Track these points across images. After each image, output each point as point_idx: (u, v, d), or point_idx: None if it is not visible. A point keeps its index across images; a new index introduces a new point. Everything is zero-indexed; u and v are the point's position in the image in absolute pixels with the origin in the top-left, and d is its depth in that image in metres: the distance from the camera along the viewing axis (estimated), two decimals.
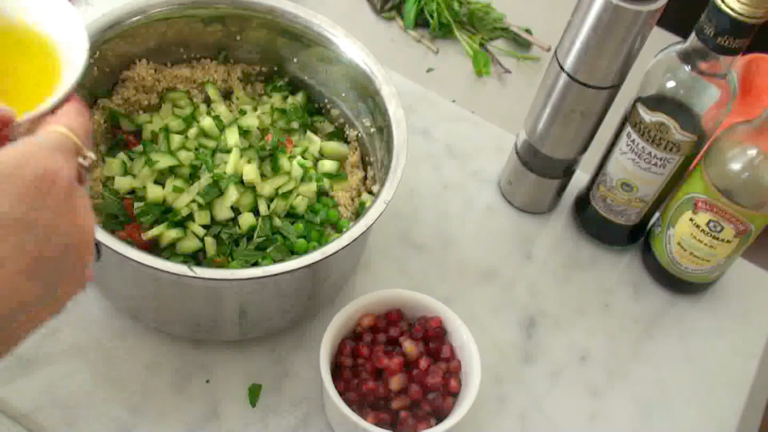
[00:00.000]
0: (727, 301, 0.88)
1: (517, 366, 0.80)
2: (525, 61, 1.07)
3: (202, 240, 0.71)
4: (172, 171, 0.74)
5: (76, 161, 0.45)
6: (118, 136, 0.78)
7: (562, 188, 0.89)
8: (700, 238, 0.80)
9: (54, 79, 0.53)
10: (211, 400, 0.72)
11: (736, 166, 0.74)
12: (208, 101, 0.81)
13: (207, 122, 0.76)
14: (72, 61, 0.52)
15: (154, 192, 0.71)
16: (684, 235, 0.81)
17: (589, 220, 0.89)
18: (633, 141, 0.78)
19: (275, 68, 0.84)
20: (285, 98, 0.83)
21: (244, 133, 0.76)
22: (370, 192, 0.79)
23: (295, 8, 0.78)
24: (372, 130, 0.78)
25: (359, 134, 0.81)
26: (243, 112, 0.79)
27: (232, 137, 0.75)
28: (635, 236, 0.88)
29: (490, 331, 0.81)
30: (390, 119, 0.73)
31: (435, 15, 1.06)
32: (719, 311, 0.87)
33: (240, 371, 0.74)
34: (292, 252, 0.72)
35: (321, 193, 0.77)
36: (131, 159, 0.75)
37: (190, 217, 0.71)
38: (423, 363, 0.70)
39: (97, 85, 0.77)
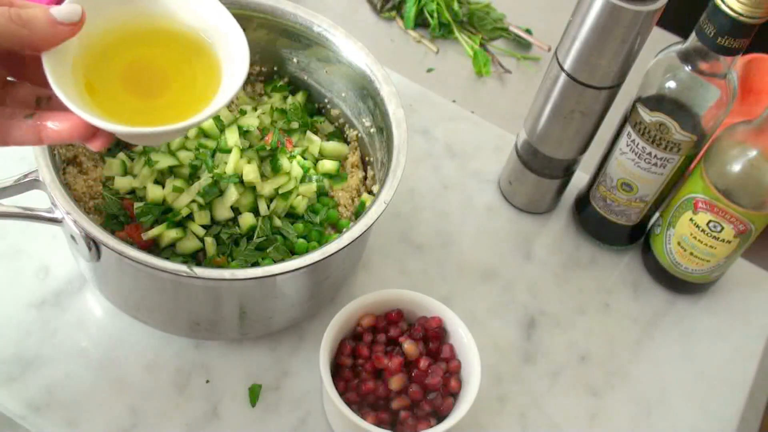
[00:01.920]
0: (727, 301, 0.88)
1: (517, 366, 0.80)
2: (525, 61, 1.07)
3: (202, 240, 0.71)
4: (172, 171, 0.74)
5: None
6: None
7: (562, 188, 0.89)
8: (700, 238, 0.80)
9: (214, 83, 0.56)
10: (211, 400, 0.73)
11: (736, 166, 0.74)
12: None
13: (207, 122, 0.76)
14: (232, 68, 0.56)
15: (154, 192, 0.71)
16: (684, 235, 0.81)
17: (589, 220, 0.89)
18: (633, 141, 0.78)
19: (275, 68, 0.84)
20: (285, 98, 0.83)
21: (244, 133, 0.76)
22: (370, 192, 0.79)
23: (295, 8, 0.78)
24: (372, 130, 0.78)
25: (359, 134, 0.81)
26: (243, 112, 0.79)
27: (232, 137, 0.75)
28: (635, 236, 0.88)
29: (490, 331, 0.81)
30: (390, 119, 0.73)
31: (435, 15, 1.06)
32: (719, 311, 0.87)
33: (240, 371, 0.74)
34: (292, 252, 0.72)
35: (321, 193, 0.77)
36: (131, 159, 0.75)
37: (190, 217, 0.71)
38: (423, 363, 0.70)
39: None
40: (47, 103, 0.55)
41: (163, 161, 0.73)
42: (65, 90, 0.51)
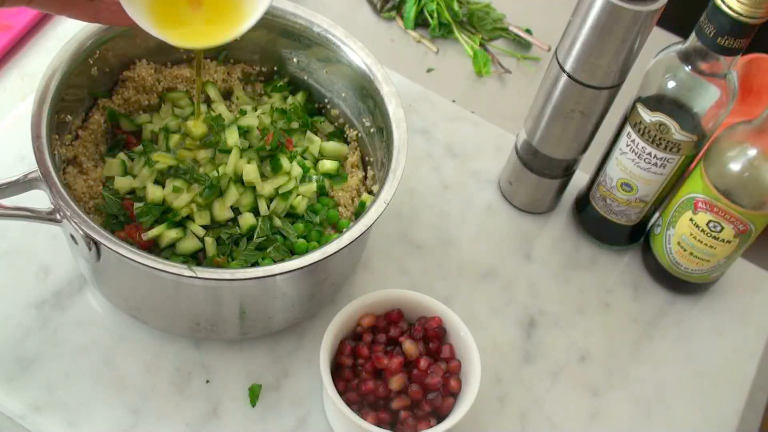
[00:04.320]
0: (727, 301, 0.88)
1: (517, 366, 0.80)
2: (525, 61, 1.07)
3: (202, 240, 0.71)
4: (171, 171, 0.74)
5: None
6: (118, 136, 0.78)
7: (562, 188, 0.89)
8: (700, 238, 0.80)
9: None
10: (211, 400, 0.73)
11: (736, 166, 0.74)
12: (208, 101, 0.81)
13: (203, 127, 0.76)
14: None
15: (154, 192, 0.71)
16: (684, 235, 0.81)
17: (589, 220, 0.89)
18: (633, 141, 0.78)
19: (275, 68, 0.84)
20: (285, 98, 0.83)
21: (244, 133, 0.76)
22: (370, 192, 0.79)
23: (295, 8, 0.78)
24: (372, 130, 0.78)
25: (359, 134, 0.81)
26: (243, 112, 0.79)
27: (232, 137, 0.75)
28: (635, 236, 0.88)
29: (490, 331, 0.81)
30: (390, 119, 0.73)
31: (435, 15, 1.06)
32: (719, 311, 0.87)
33: (240, 371, 0.74)
34: (292, 252, 0.72)
35: (321, 193, 0.77)
36: (131, 159, 0.75)
37: (190, 217, 0.71)
38: (423, 363, 0.70)
39: (97, 85, 0.77)
40: None
41: (163, 161, 0.73)
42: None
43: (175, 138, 0.75)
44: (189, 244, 0.70)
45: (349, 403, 0.67)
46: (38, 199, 0.67)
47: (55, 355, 0.73)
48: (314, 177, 0.76)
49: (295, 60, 0.82)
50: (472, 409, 0.68)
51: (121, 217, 0.71)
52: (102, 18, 0.62)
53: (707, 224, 0.78)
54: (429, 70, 1.04)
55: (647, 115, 0.76)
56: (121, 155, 0.75)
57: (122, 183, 0.73)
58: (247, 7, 0.64)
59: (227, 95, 0.83)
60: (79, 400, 0.71)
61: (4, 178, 0.65)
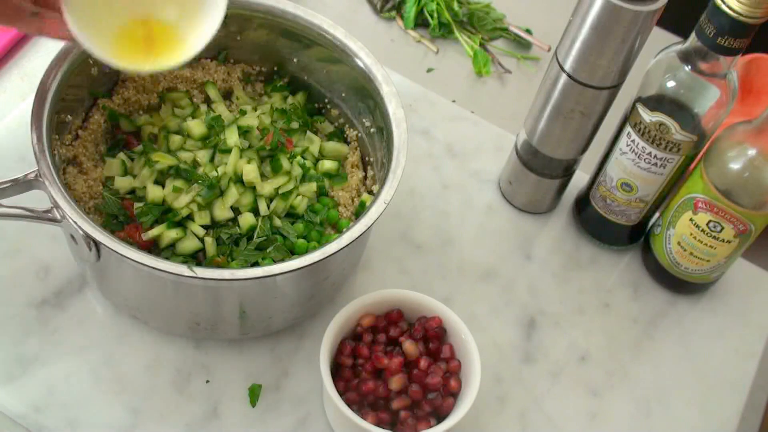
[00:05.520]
0: (727, 301, 0.88)
1: (517, 366, 0.80)
2: (525, 61, 1.07)
3: (202, 240, 0.71)
4: (171, 171, 0.74)
5: None
6: (118, 136, 0.78)
7: (562, 188, 0.89)
8: (700, 238, 0.80)
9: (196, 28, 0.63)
10: (211, 400, 0.73)
11: (736, 166, 0.74)
12: (208, 101, 0.81)
13: (200, 129, 0.76)
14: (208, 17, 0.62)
15: (154, 192, 0.71)
16: (684, 235, 0.81)
17: (589, 220, 0.89)
18: (633, 141, 0.78)
19: (275, 68, 0.84)
20: (285, 98, 0.83)
21: (244, 133, 0.76)
22: (370, 192, 0.79)
23: (295, 8, 0.78)
24: (372, 130, 0.78)
25: (359, 134, 0.81)
26: (243, 112, 0.79)
27: (232, 137, 0.75)
28: (635, 236, 0.88)
29: (490, 331, 0.81)
30: (390, 119, 0.73)
31: (435, 15, 1.06)
32: (719, 311, 0.87)
33: (240, 371, 0.74)
34: (292, 252, 0.72)
35: (321, 193, 0.77)
36: (131, 159, 0.75)
37: (190, 217, 0.71)
38: (423, 363, 0.70)
39: (97, 85, 0.77)
40: None
41: (163, 161, 0.73)
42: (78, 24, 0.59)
43: (175, 139, 0.75)
44: (189, 244, 0.70)
45: (349, 403, 0.67)
46: (38, 199, 0.67)
47: (55, 355, 0.73)
48: (314, 177, 0.76)
49: (295, 60, 0.82)
50: (472, 409, 0.68)
51: (121, 217, 0.71)
52: (46, 32, 0.62)
53: (707, 224, 0.78)
54: (429, 70, 1.04)
55: (647, 115, 0.76)
56: (121, 155, 0.75)
57: (122, 183, 0.73)
58: (192, 39, 0.64)
59: (227, 95, 0.83)
60: (79, 400, 0.71)
61: (4, 178, 0.65)
